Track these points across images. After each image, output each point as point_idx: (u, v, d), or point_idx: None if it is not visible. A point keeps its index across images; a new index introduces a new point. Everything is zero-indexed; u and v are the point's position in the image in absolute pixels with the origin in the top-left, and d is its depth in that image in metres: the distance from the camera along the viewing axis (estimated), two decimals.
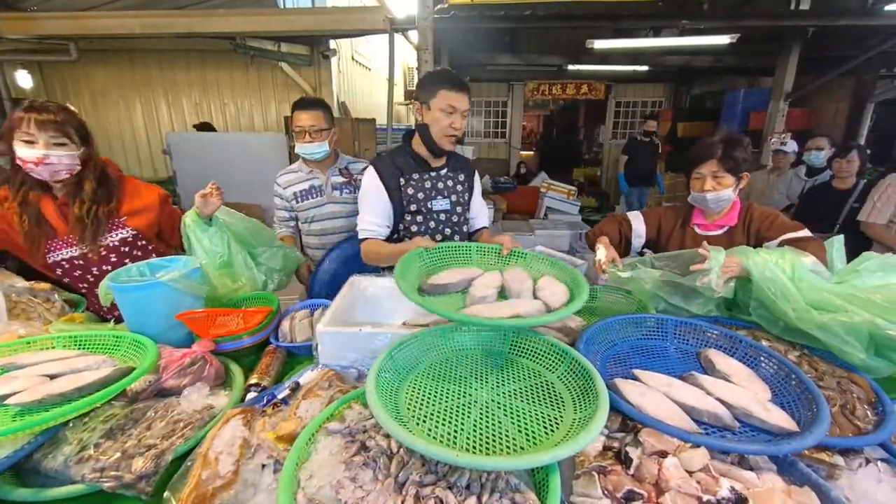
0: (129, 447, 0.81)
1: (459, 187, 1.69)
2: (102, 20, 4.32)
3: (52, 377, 0.94)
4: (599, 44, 5.60)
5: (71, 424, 0.85)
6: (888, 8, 4.52)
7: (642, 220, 1.71)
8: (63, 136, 1.33)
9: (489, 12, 4.46)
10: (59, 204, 1.43)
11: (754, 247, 1.52)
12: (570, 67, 7.32)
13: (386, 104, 4.81)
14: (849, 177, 3.01)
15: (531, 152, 11.39)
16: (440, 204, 1.65)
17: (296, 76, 5.35)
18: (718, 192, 1.49)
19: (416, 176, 1.62)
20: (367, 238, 1.60)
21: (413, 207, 1.62)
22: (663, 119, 8.03)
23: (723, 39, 5.17)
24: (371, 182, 1.61)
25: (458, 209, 1.69)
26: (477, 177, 1.82)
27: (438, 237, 1.66)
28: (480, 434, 0.73)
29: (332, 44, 5.35)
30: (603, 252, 1.45)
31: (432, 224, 1.65)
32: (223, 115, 5.79)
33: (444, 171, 1.67)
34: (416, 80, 4.51)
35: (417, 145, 1.64)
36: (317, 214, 2.03)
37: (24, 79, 5.27)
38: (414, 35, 4.45)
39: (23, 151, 1.29)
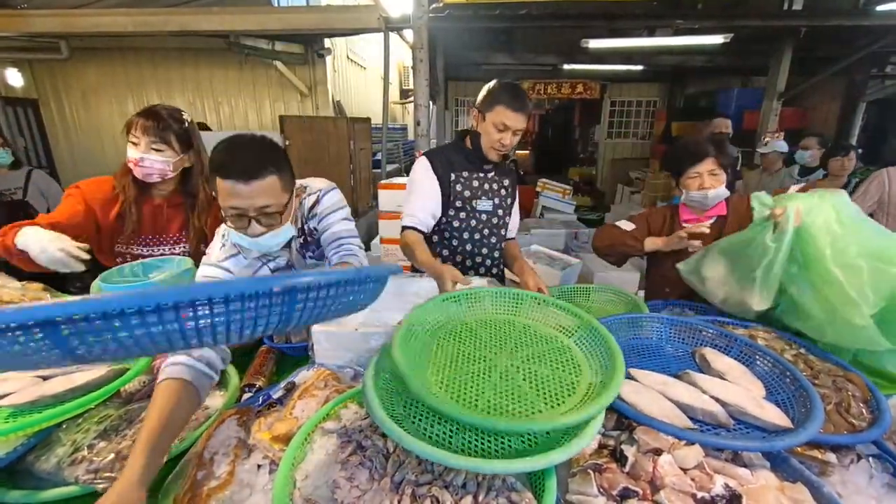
0: (124, 448, 0.80)
1: (503, 191, 1.72)
2: (94, 18, 4.28)
3: (44, 378, 0.93)
4: (594, 43, 5.61)
5: (64, 426, 0.84)
6: (879, 8, 4.57)
7: (633, 225, 1.73)
8: (162, 143, 1.40)
9: (484, 11, 4.47)
10: (153, 205, 1.51)
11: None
12: (566, 67, 7.33)
13: (381, 103, 4.79)
14: (845, 174, 3.05)
15: (527, 151, 11.43)
16: (484, 204, 1.67)
17: (290, 75, 5.32)
18: (717, 188, 1.52)
19: (465, 174, 1.64)
20: (411, 227, 1.55)
21: (458, 204, 1.64)
22: (658, 119, 8.05)
23: (716, 39, 5.20)
24: (425, 172, 1.62)
25: (500, 212, 1.72)
26: (516, 186, 1.85)
27: (477, 235, 1.70)
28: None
29: (327, 42, 5.32)
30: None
31: (473, 222, 1.68)
32: (217, 114, 5.74)
33: (491, 174, 1.70)
34: (411, 79, 4.50)
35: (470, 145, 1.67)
36: None
37: (14, 77, 5.21)
38: (409, 34, 4.44)
39: (129, 151, 1.41)
